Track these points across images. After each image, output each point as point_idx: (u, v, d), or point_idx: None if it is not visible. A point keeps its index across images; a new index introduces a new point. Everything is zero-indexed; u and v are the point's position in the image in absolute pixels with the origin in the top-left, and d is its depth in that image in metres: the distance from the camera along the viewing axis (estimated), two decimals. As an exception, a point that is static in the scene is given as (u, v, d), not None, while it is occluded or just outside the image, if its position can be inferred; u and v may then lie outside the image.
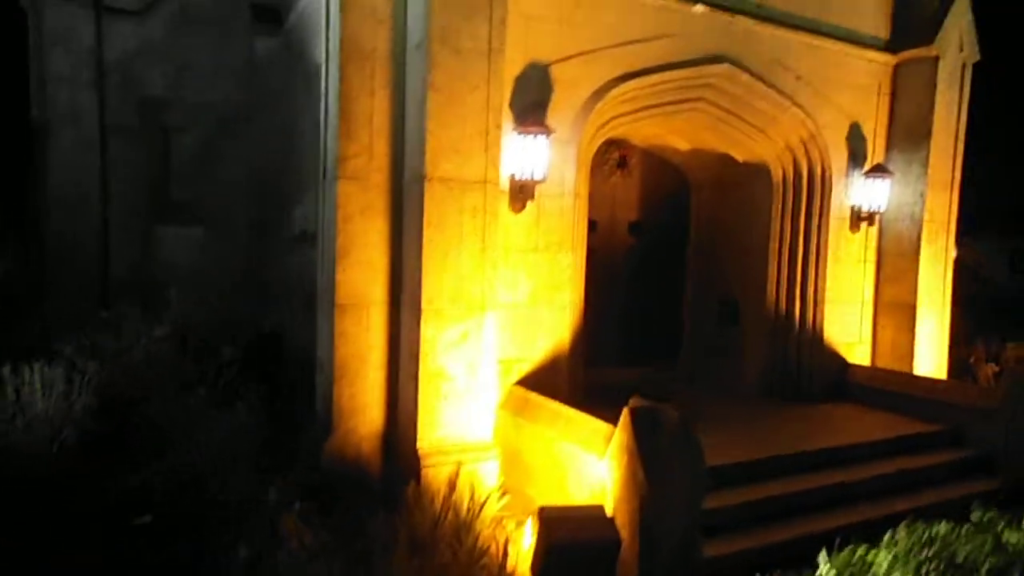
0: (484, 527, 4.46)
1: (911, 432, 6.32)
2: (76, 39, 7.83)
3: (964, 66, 7.71)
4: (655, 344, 8.87)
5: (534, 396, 5.42)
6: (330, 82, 5.27)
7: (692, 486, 4.01)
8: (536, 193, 5.71)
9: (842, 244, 7.64)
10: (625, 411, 4.12)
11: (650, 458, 3.91)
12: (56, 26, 7.78)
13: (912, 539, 2.93)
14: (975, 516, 3.20)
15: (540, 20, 5.69)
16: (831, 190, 7.44)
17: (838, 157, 7.48)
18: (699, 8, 6.35)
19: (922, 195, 7.61)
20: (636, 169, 8.98)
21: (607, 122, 6.49)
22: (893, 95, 7.79)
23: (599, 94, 5.98)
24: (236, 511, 4.34)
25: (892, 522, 4.98)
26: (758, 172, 7.70)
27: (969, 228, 9.37)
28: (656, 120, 7.05)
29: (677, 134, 7.76)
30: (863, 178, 7.55)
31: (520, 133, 5.47)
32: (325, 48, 5.37)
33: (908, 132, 7.69)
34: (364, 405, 5.28)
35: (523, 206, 5.72)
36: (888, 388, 7.19)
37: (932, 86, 7.49)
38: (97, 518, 4.46)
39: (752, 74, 6.77)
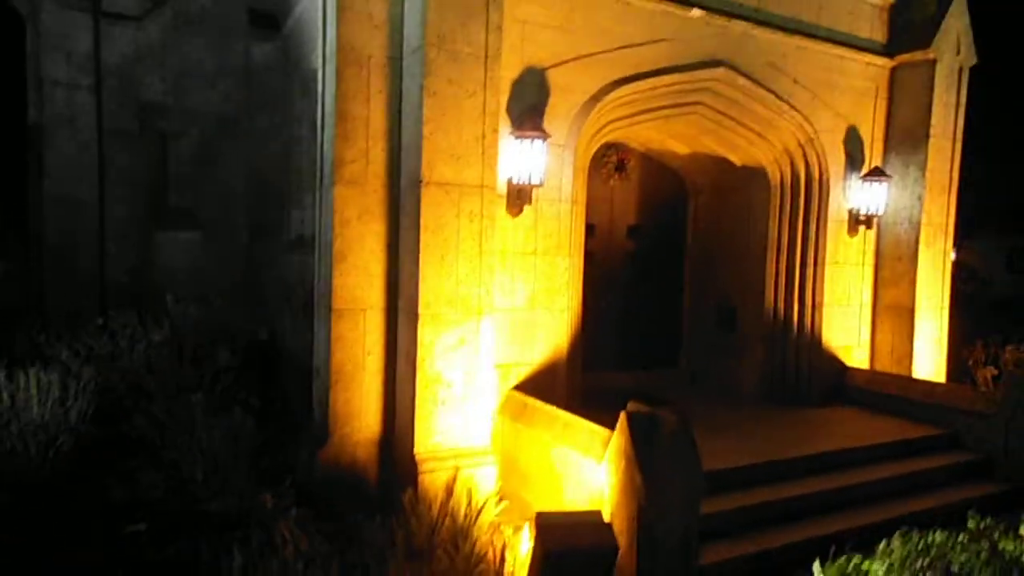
0: (481, 533, 4.44)
1: (910, 436, 6.30)
2: (74, 43, 7.83)
3: (961, 69, 7.71)
4: (653, 348, 8.86)
5: (531, 401, 5.41)
6: (327, 87, 5.27)
7: (690, 491, 3.99)
8: (533, 197, 5.71)
9: (840, 248, 7.63)
10: (622, 416, 4.11)
11: (647, 463, 3.90)
12: (54, 30, 7.77)
13: (907, 548, 2.92)
14: (971, 524, 3.19)
15: (537, 25, 5.69)
16: (829, 194, 7.44)
17: (836, 161, 7.48)
18: (696, 12, 6.35)
19: (920, 198, 7.61)
20: (634, 173, 8.96)
21: (604, 126, 6.49)
22: (890, 98, 7.79)
23: (596, 98, 5.98)
24: (232, 517, 4.33)
25: (891, 527, 4.95)
26: (756, 176, 7.70)
27: (967, 229, 9.38)
28: (654, 124, 7.05)
29: (675, 138, 7.76)
30: (861, 182, 7.55)
31: (517, 138, 5.47)
32: (322, 53, 5.37)
33: (905, 135, 7.69)
34: (361, 410, 5.26)
35: (520, 210, 5.71)
36: (887, 392, 7.18)
37: (929, 89, 7.50)
38: (98, 516, 4.47)
39: (749, 78, 6.77)
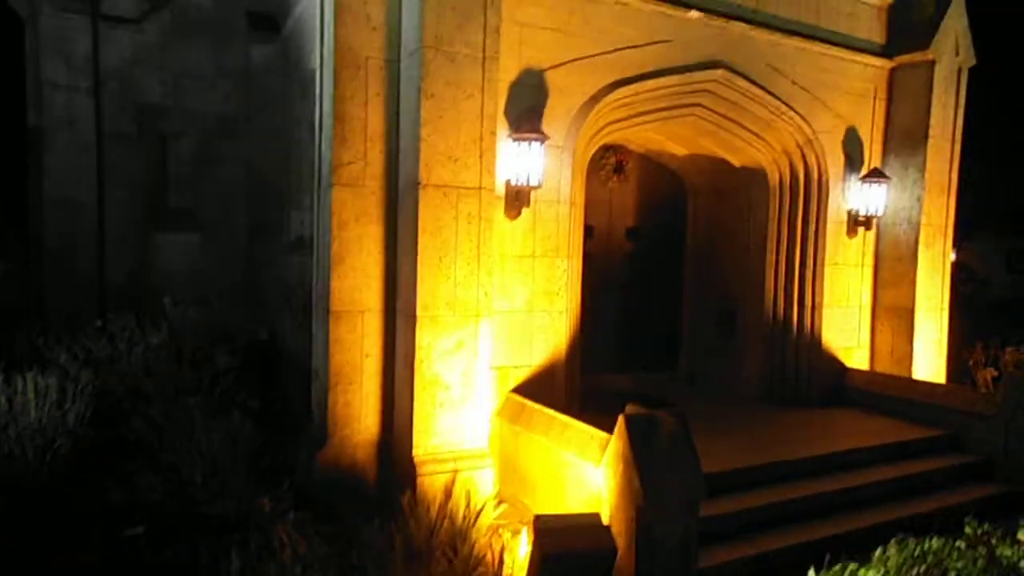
0: (480, 536, 4.43)
1: (910, 437, 6.29)
2: (73, 46, 7.83)
3: (960, 70, 7.71)
4: (653, 349, 8.86)
5: (530, 403, 5.40)
6: (324, 89, 5.27)
7: (688, 493, 3.99)
8: (532, 199, 5.70)
9: (840, 249, 7.63)
10: (620, 418, 4.10)
11: (646, 465, 3.89)
12: (53, 33, 7.78)
13: (904, 555, 2.90)
14: (968, 530, 3.16)
15: (535, 27, 5.68)
16: (828, 195, 7.44)
17: (835, 162, 7.48)
18: (694, 14, 6.35)
19: (919, 199, 7.60)
20: (633, 174, 8.97)
21: (603, 128, 6.49)
22: (889, 100, 7.79)
23: (594, 100, 5.98)
24: (230, 520, 4.33)
25: (892, 529, 4.95)
26: (755, 177, 7.70)
27: (966, 230, 9.37)
28: (653, 126, 7.05)
29: (674, 139, 7.76)
30: (860, 183, 7.54)
31: (515, 140, 5.47)
32: (319, 55, 5.37)
33: (905, 137, 7.69)
34: (359, 413, 5.26)
35: (519, 212, 5.70)
36: (887, 393, 7.17)
37: (928, 91, 7.49)
38: (96, 519, 4.47)
39: (748, 79, 6.76)
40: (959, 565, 2.87)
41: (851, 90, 7.54)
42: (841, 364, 7.68)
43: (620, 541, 3.99)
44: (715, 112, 6.98)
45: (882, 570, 3.02)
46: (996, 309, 13.05)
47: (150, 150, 8.29)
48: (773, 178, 7.56)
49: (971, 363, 8.99)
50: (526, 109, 5.65)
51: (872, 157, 7.75)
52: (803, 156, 7.40)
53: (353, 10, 5.05)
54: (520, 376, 5.78)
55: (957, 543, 3.01)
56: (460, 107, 4.93)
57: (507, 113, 5.55)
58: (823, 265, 7.49)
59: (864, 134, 7.69)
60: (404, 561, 4.01)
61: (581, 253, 6.31)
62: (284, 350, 7.36)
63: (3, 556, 4.10)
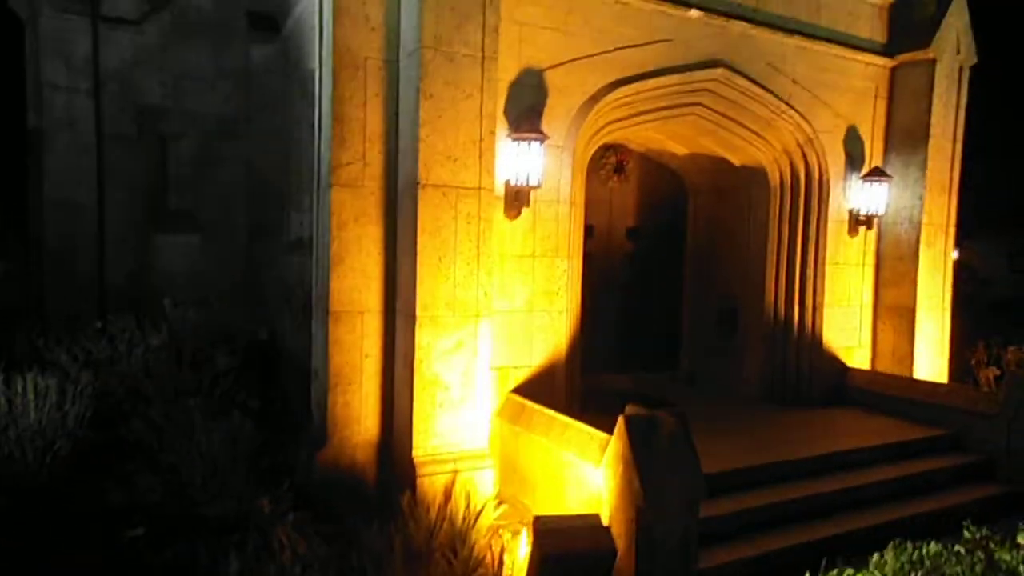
0: (480, 537, 4.43)
1: (911, 437, 6.27)
2: (73, 48, 7.83)
3: (961, 69, 7.68)
4: (653, 349, 8.84)
5: (530, 404, 5.39)
6: (323, 89, 5.27)
7: (688, 493, 3.97)
8: (532, 199, 5.69)
9: (840, 248, 7.61)
10: (620, 419, 4.09)
11: (645, 466, 3.88)
12: (53, 35, 7.77)
13: (901, 560, 2.88)
14: (967, 534, 3.14)
15: (534, 26, 5.67)
16: (829, 194, 7.42)
17: (836, 161, 7.46)
18: (694, 13, 6.34)
19: (920, 198, 7.58)
20: (633, 174, 8.95)
21: (603, 127, 6.48)
22: (890, 98, 7.77)
23: (594, 100, 5.97)
24: (230, 521, 4.32)
25: (893, 529, 4.94)
26: (755, 176, 7.68)
27: (968, 229, 9.33)
28: (653, 125, 7.04)
29: (674, 139, 7.75)
30: (861, 182, 7.52)
31: (515, 139, 5.46)
32: (318, 56, 5.37)
33: (906, 135, 7.67)
34: (359, 413, 5.25)
35: (519, 212, 5.69)
36: (888, 392, 7.16)
37: (929, 89, 7.47)
38: (95, 520, 4.47)
39: (748, 78, 6.75)
40: (957, 570, 2.84)
41: (852, 89, 7.52)
42: (842, 364, 7.66)
43: (620, 542, 3.98)
44: (715, 111, 6.96)
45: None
46: (998, 308, 13.02)
47: (150, 151, 8.28)
48: (774, 177, 7.55)
49: (973, 362, 8.97)
50: (526, 109, 5.64)
51: (873, 156, 7.73)
52: (804, 155, 7.39)
53: (352, 11, 5.04)
54: (520, 376, 5.77)
55: (955, 548, 2.99)
56: (459, 107, 4.92)
57: (506, 113, 5.55)
58: (824, 264, 7.48)
59: (865, 133, 7.67)
60: (404, 562, 4.01)
61: (581, 253, 6.30)
62: (284, 350, 7.36)
63: (3, 556, 4.10)
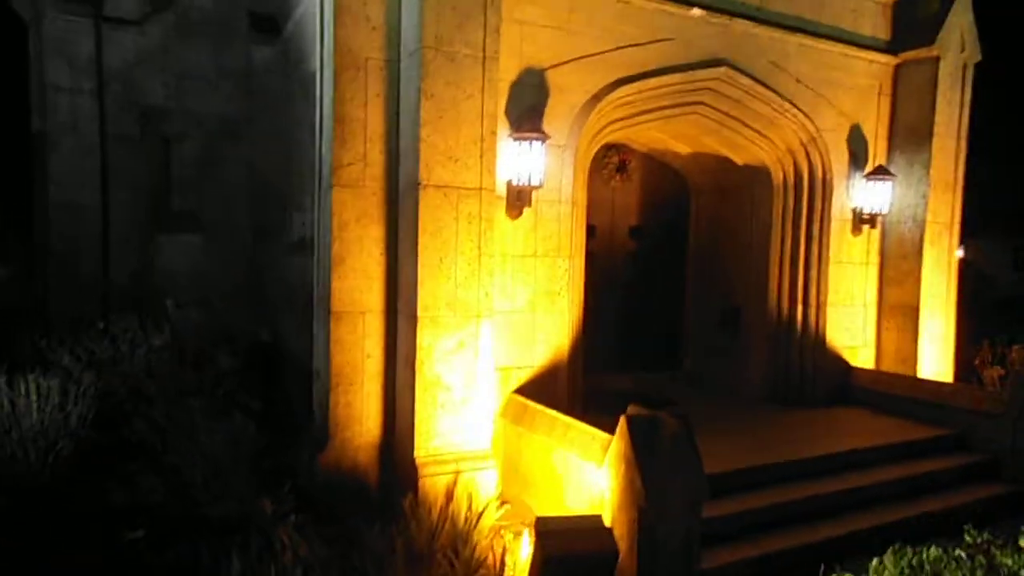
0: (482, 538, 4.42)
1: (915, 437, 6.24)
2: (76, 49, 7.85)
3: (965, 66, 7.64)
4: (656, 349, 8.83)
5: (532, 404, 5.38)
6: (324, 90, 5.26)
7: (691, 494, 3.96)
8: (533, 199, 5.68)
9: (844, 247, 7.57)
10: (622, 419, 4.08)
11: (647, 466, 3.87)
12: (56, 36, 7.79)
13: (900, 565, 2.85)
14: (968, 538, 3.11)
15: (535, 26, 5.66)
16: (832, 193, 7.39)
17: (839, 159, 7.43)
18: (696, 11, 6.31)
19: (924, 197, 7.54)
20: (636, 173, 8.94)
21: (605, 127, 6.46)
22: (894, 96, 7.73)
23: (596, 99, 5.95)
24: (231, 522, 4.32)
25: (897, 529, 4.93)
26: (759, 175, 7.65)
27: (972, 228, 9.27)
28: (655, 124, 7.01)
29: (677, 138, 7.72)
30: (864, 180, 7.48)
31: (516, 139, 5.45)
32: (319, 55, 5.36)
33: (910, 133, 7.63)
34: (361, 414, 5.24)
35: (520, 212, 5.68)
36: (892, 392, 7.12)
37: (933, 87, 7.43)
38: (97, 521, 4.47)
39: (751, 77, 6.72)
40: (958, 575, 2.81)
41: (855, 87, 7.48)
42: (846, 363, 7.63)
43: (622, 543, 3.97)
44: (718, 110, 6.94)
45: (878, 582, 2.97)
46: (1003, 307, 12.96)
47: (153, 152, 8.30)
48: (777, 176, 7.52)
49: (978, 361, 8.92)
50: (527, 108, 5.63)
51: (877, 154, 7.69)
52: (807, 154, 7.36)
53: (352, 10, 5.03)
54: (522, 377, 5.76)
55: (956, 552, 2.95)
56: (460, 107, 4.91)
57: (508, 113, 5.53)
58: (827, 263, 7.44)
59: (869, 131, 7.63)
60: (405, 564, 4.00)
61: (583, 253, 6.28)
62: (287, 351, 7.36)
63: (4, 556, 4.11)
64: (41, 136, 7.97)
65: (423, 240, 4.87)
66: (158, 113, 8.23)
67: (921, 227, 7.56)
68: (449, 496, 4.76)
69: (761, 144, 7.36)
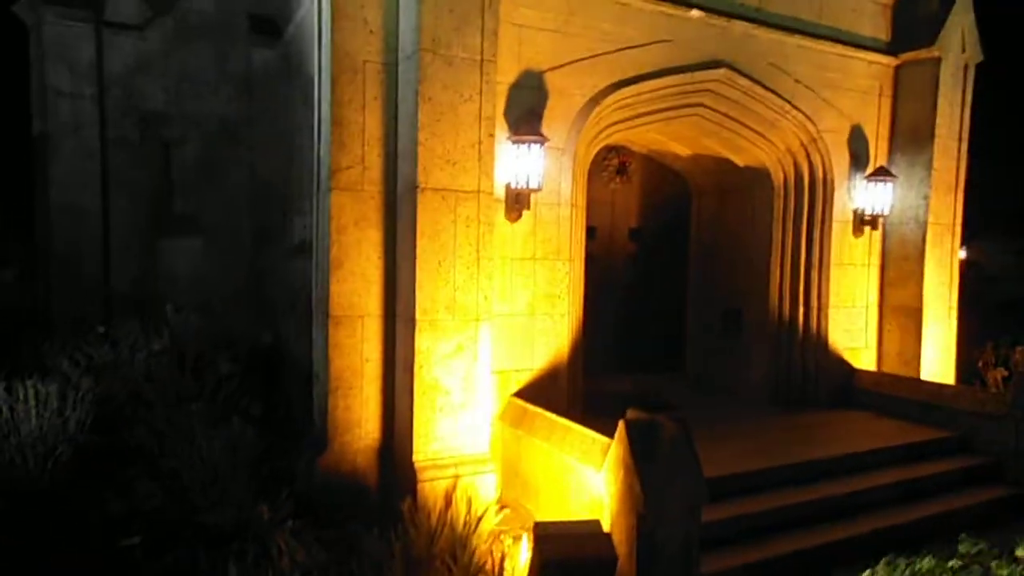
0: (481, 542, 4.40)
1: (918, 439, 6.21)
2: (77, 53, 7.86)
3: (966, 67, 7.61)
4: (656, 351, 8.80)
5: (532, 407, 5.36)
6: (323, 93, 5.26)
7: (690, 498, 3.93)
8: (532, 202, 5.67)
9: (845, 248, 7.55)
10: (621, 423, 4.06)
11: (646, 471, 3.84)
12: (57, 41, 7.81)
13: (895, 576, 2.83)
14: (963, 548, 3.07)
15: (533, 28, 5.65)
16: (833, 194, 7.36)
17: (840, 160, 7.40)
18: (695, 13, 6.30)
19: (926, 198, 7.51)
20: (636, 175, 8.93)
21: (604, 129, 6.45)
22: (895, 97, 7.70)
23: (595, 101, 5.94)
24: (230, 528, 4.31)
25: (899, 532, 4.90)
26: (759, 177, 7.63)
27: (974, 230, 9.24)
28: (655, 126, 7.00)
29: (676, 140, 7.70)
30: (866, 181, 7.45)
31: (515, 142, 5.44)
32: (318, 59, 5.36)
33: (911, 134, 7.60)
34: (360, 418, 5.23)
35: (519, 215, 5.67)
36: (895, 394, 7.09)
37: (934, 87, 7.40)
38: (95, 526, 4.48)
39: (750, 78, 6.70)
40: (952, 586, 2.78)
41: (856, 88, 7.46)
42: (848, 365, 7.60)
43: (621, 548, 3.94)
44: (718, 112, 6.92)
45: (872, 593, 2.93)
46: (1006, 307, 12.91)
47: (153, 156, 8.30)
48: (777, 178, 7.49)
49: (981, 363, 8.87)
50: (525, 111, 5.62)
51: (878, 155, 7.66)
52: (808, 155, 7.33)
53: (350, 13, 5.03)
54: (522, 380, 5.74)
55: (951, 563, 2.92)
56: (458, 110, 4.90)
57: (506, 115, 5.52)
58: (829, 265, 7.42)
59: (869, 132, 7.61)
60: (404, 568, 3.98)
61: (583, 255, 6.27)
62: (287, 355, 7.35)
63: (3, 555, 4.11)
64: (43, 140, 7.99)
65: (421, 243, 4.86)
66: (158, 117, 8.24)
67: (923, 228, 7.53)
68: (448, 500, 4.74)
69: (761, 145, 7.34)
